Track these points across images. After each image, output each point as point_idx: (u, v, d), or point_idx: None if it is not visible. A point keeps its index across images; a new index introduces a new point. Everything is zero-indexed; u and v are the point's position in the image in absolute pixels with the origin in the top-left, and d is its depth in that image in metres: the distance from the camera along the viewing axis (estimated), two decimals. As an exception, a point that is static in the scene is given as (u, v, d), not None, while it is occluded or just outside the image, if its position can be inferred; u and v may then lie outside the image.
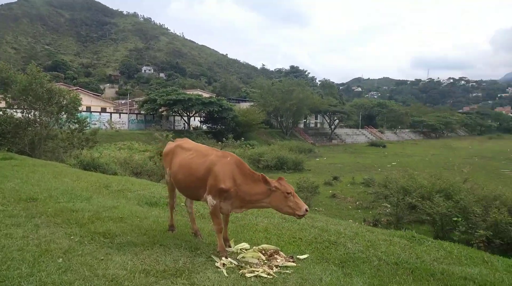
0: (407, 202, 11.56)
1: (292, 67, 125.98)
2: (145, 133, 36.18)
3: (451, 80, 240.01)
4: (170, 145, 4.86)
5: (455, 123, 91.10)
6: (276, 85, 57.36)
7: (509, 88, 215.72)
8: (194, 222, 4.75)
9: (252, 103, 57.10)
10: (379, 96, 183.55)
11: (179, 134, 36.17)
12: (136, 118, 45.87)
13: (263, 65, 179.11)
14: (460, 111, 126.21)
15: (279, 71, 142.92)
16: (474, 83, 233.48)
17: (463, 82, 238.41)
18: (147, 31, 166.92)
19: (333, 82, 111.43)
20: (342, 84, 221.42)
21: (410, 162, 31.07)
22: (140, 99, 52.09)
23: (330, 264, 3.80)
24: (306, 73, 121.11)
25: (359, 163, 32.12)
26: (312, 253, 4.15)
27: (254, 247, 4.12)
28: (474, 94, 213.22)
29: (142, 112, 45.54)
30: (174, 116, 47.11)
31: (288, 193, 3.62)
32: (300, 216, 3.69)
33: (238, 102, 63.49)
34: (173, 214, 4.91)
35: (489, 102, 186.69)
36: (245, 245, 4.22)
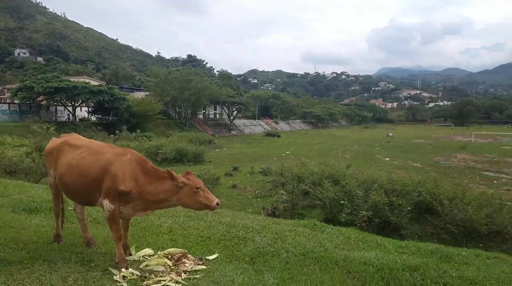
0: (301, 188, 12.34)
1: (189, 56, 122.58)
2: (20, 126, 31.50)
3: (334, 74, 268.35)
4: (54, 141, 4.15)
5: (338, 114, 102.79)
6: (174, 74, 55.33)
7: (380, 82, 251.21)
8: (86, 229, 4.17)
9: (147, 93, 54.13)
10: (273, 88, 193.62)
11: (63, 126, 32.44)
12: (9, 108, 39.37)
13: (159, 52, 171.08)
14: (342, 103, 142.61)
15: (175, 59, 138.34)
16: (353, 78, 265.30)
17: (344, 76, 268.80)
18: (20, 9, 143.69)
19: (231, 73, 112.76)
20: (239, 75, 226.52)
21: (301, 151, 33.44)
22: (13, 86, 44.88)
23: (240, 262, 3.73)
24: (204, 63, 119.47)
25: (257, 153, 33.28)
26: (222, 251, 4.03)
27: (159, 253, 3.80)
28: (353, 88, 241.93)
29: (16, 101, 39.27)
30: (56, 106, 41.80)
31: (197, 188, 3.42)
32: (212, 210, 3.55)
33: (132, 91, 59.66)
34: (59, 221, 4.23)
35: (365, 95, 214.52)
36: (148, 251, 3.87)
